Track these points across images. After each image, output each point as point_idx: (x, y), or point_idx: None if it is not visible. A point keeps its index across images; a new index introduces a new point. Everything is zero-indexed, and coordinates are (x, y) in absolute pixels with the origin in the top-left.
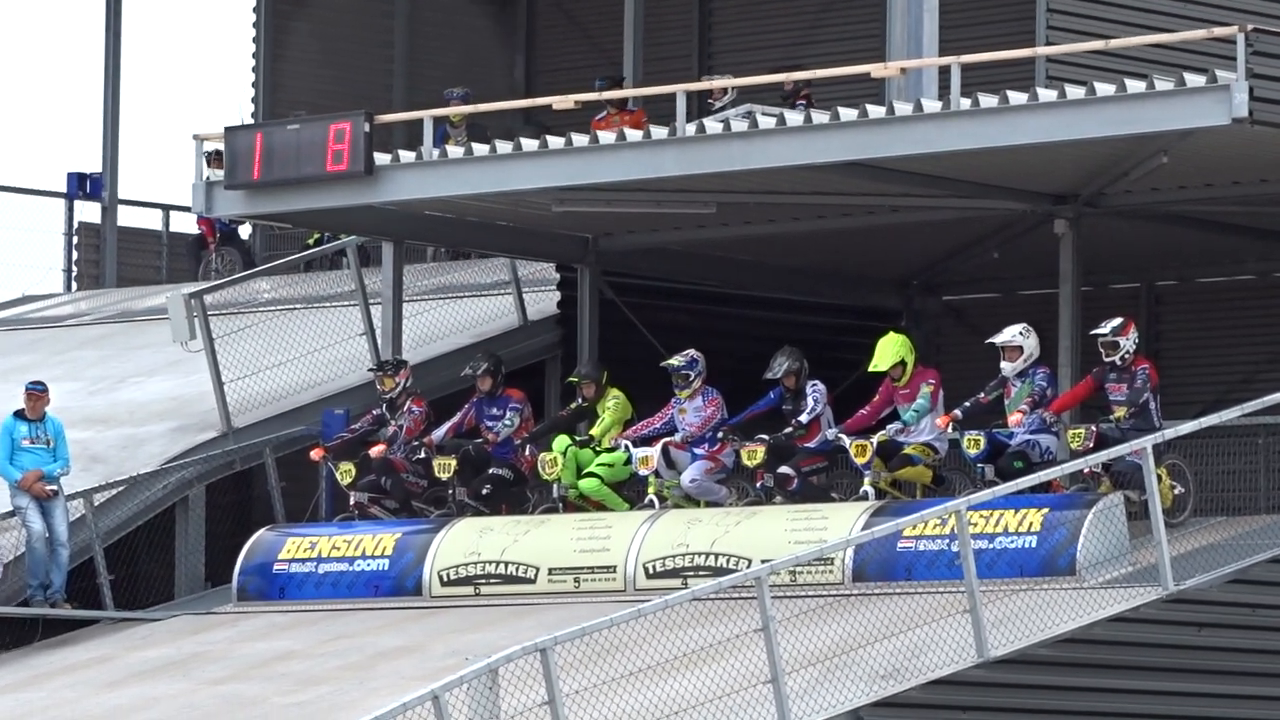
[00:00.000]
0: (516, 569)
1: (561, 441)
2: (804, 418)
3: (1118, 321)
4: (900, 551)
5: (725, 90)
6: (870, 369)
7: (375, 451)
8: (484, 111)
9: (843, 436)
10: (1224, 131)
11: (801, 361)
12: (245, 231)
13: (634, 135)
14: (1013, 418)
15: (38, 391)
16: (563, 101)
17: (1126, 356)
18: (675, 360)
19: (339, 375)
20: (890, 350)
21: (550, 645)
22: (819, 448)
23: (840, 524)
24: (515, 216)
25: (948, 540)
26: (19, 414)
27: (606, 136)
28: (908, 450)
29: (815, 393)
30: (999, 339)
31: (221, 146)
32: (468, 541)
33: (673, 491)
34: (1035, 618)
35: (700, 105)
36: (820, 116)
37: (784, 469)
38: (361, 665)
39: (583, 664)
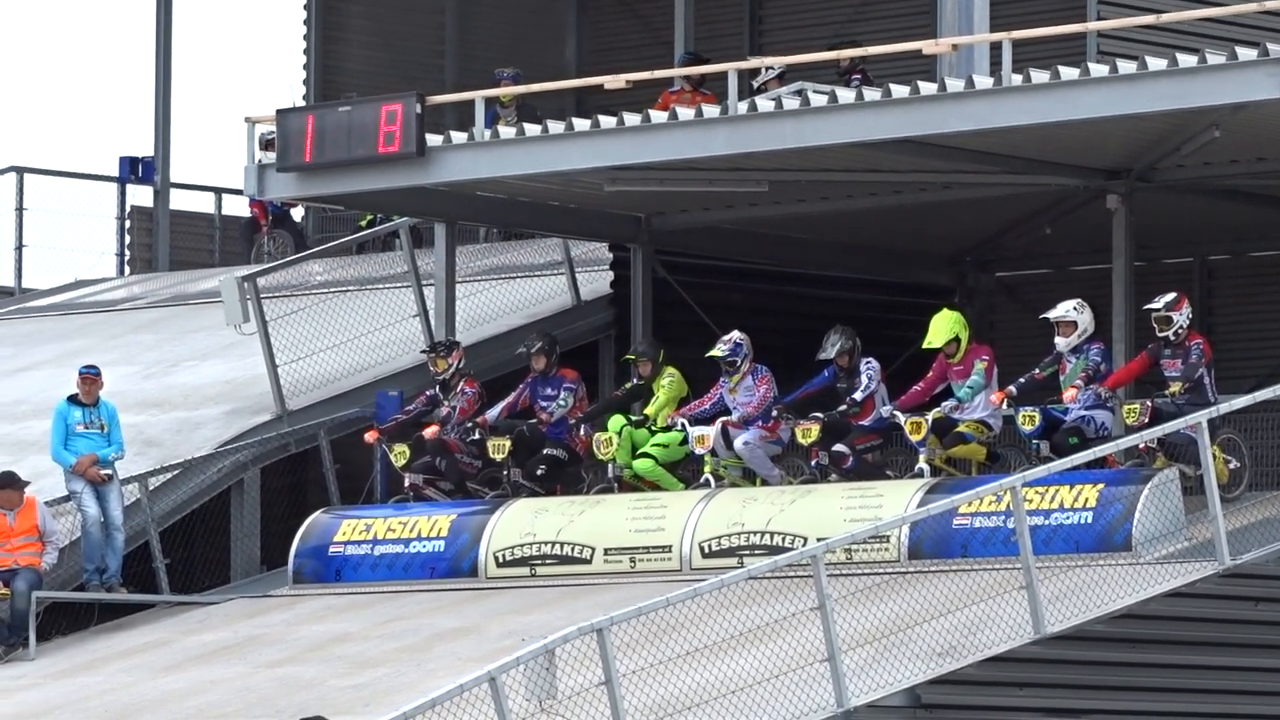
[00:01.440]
0: (572, 549)
1: (616, 421)
2: (858, 395)
3: (1171, 296)
4: (956, 529)
5: (762, 70)
6: (924, 346)
7: (429, 433)
8: (536, 92)
9: (897, 414)
10: (1276, 105)
11: (854, 340)
12: (298, 214)
13: (686, 114)
14: (1067, 393)
15: (91, 376)
16: (614, 81)
17: (1180, 331)
18: (718, 351)
19: (392, 357)
20: (944, 327)
21: (606, 625)
22: (874, 425)
23: (895, 501)
24: (567, 196)
25: (1003, 517)
26: (73, 399)
27: (659, 116)
28: (961, 428)
29: (869, 370)
30: (1053, 314)
31: (274, 131)
32: (523, 522)
33: (729, 470)
34: (1091, 594)
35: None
36: (872, 94)
37: (839, 447)
38: (418, 647)
39: (639, 644)
